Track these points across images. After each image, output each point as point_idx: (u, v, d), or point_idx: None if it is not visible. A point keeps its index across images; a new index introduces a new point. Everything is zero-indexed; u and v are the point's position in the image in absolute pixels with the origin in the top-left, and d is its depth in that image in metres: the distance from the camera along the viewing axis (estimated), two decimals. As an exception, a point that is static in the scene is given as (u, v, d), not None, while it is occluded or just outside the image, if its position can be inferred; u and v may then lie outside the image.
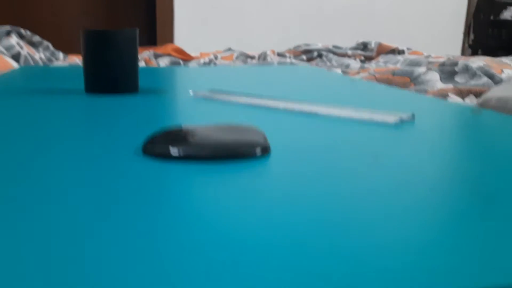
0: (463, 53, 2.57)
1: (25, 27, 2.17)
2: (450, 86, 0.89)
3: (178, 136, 0.36)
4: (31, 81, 0.73)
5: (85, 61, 0.61)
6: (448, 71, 0.97)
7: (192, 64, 1.31)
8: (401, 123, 0.46)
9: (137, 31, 0.62)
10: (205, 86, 0.70)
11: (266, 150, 0.37)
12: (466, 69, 0.94)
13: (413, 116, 0.47)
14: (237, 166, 0.33)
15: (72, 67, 0.92)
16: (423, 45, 2.47)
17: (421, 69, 0.98)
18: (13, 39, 1.14)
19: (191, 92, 0.61)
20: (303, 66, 1.04)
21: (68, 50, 2.26)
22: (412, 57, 1.31)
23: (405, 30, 2.43)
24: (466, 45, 2.58)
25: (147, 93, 0.63)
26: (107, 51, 0.60)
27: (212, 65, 1.41)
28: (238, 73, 0.92)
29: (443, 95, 0.84)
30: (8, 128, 0.42)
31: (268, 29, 2.25)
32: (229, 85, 0.72)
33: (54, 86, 0.69)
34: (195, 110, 0.51)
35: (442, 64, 1.01)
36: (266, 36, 2.26)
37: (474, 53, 2.52)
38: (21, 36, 1.22)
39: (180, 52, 1.36)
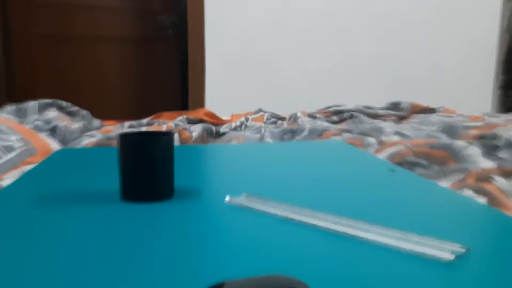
0: (495, 102, 2.52)
1: (66, 95, 2.26)
2: (494, 165, 0.86)
3: None
4: (65, 176, 0.75)
5: (121, 167, 0.62)
6: (489, 145, 0.94)
7: (224, 129, 1.33)
8: (457, 258, 0.44)
9: (174, 136, 0.63)
10: (240, 181, 0.70)
11: None
12: (510, 144, 0.92)
13: (468, 249, 0.45)
14: None
15: (105, 150, 0.94)
16: (454, 96, 2.44)
17: (461, 143, 0.96)
18: (52, 113, 1.18)
19: (227, 198, 0.61)
20: (337, 142, 1.03)
21: (106, 115, 2.33)
22: (447, 119, 1.29)
23: (435, 80, 2.41)
24: (498, 88, 2.53)
25: (182, 198, 0.64)
26: (143, 157, 0.60)
27: (243, 127, 1.42)
28: (271, 153, 0.92)
29: (486, 178, 0.82)
30: (36, 239, 0.42)
31: (298, 89, 2.27)
32: (265, 179, 0.72)
33: (89, 188, 0.70)
34: (229, 223, 0.51)
35: (482, 137, 0.98)
36: (297, 96, 2.28)
37: (505, 94, 2.46)
38: (60, 108, 1.26)
39: (212, 116, 1.38)
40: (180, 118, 1.33)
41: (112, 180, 0.74)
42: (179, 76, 2.55)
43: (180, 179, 0.72)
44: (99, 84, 2.37)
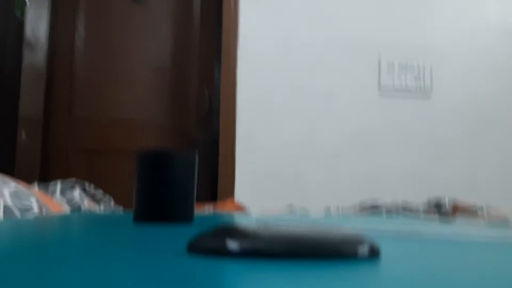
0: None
1: (91, 180, 2.26)
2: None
3: (239, 230, 0.27)
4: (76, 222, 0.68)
5: (137, 185, 0.55)
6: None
7: (252, 221, 1.24)
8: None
9: (197, 155, 0.58)
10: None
11: (374, 251, 0.27)
12: None
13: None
14: (331, 266, 0.23)
15: (123, 214, 0.88)
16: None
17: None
18: (76, 193, 1.15)
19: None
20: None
21: (130, 204, 2.29)
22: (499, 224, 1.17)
23: (471, 195, 2.30)
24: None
25: (203, 224, 0.55)
26: (163, 175, 0.54)
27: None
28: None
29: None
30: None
31: (329, 189, 2.20)
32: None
33: (103, 226, 0.63)
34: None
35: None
36: (328, 193, 2.20)
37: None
38: (84, 190, 1.23)
39: (240, 208, 1.31)
40: (207, 208, 1.27)
41: (126, 222, 0.67)
42: (209, 189, 2.53)
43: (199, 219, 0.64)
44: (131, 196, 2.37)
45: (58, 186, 1.16)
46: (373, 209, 1.32)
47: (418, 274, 0.21)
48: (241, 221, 0.64)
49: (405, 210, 1.30)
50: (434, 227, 0.43)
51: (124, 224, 0.52)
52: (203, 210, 1.29)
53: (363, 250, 0.26)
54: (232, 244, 0.25)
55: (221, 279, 0.19)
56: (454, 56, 2.36)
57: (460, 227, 0.56)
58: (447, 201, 1.34)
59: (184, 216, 0.54)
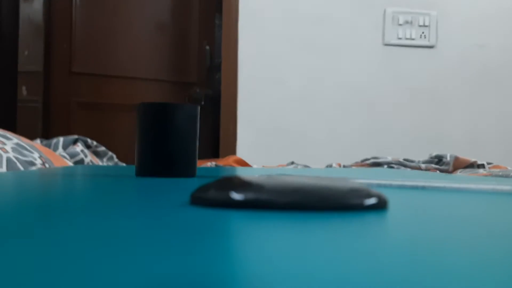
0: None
1: (93, 136, 2.27)
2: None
3: (242, 181, 0.26)
4: (81, 172, 0.68)
5: (138, 139, 0.55)
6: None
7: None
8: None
9: (199, 109, 0.57)
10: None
11: (382, 202, 0.26)
12: None
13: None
14: (338, 218, 0.22)
15: (126, 167, 0.88)
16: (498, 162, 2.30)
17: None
18: (79, 147, 1.15)
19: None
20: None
21: (133, 161, 2.31)
22: (497, 171, 1.18)
23: (478, 150, 2.30)
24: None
25: (207, 178, 0.55)
26: (164, 127, 0.54)
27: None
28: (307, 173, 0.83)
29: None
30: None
31: (331, 160, 2.21)
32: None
33: (106, 173, 0.63)
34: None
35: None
36: (330, 149, 2.21)
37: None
38: (87, 146, 1.23)
39: (242, 163, 1.32)
40: (209, 163, 1.27)
41: (128, 176, 0.67)
42: (210, 146, 2.54)
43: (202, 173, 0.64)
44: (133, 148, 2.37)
45: (61, 141, 1.16)
46: (375, 165, 1.32)
47: (426, 224, 0.21)
48: (244, 173, 0.64)
49: (407, 166, 1.31)
50: (437, 180, 0.42)
51: (126, 178, 0.52)
52: (205, 166, 1.30)
53: (371, 201, 0.25)
54: (236, 195, 0.25)
55: (224, 230, 0.18)
56: (459, 8, 2.30)
57: (463, 179, 0.56)
58: (448, 157, 1.34)
59: (187, 170, 0.54)
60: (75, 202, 0.27)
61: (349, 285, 0.11)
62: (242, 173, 0.69)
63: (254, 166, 1.47)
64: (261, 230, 0.19)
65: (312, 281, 0.11)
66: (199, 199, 0.26)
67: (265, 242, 0.16)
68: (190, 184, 0.44)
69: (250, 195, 0.24)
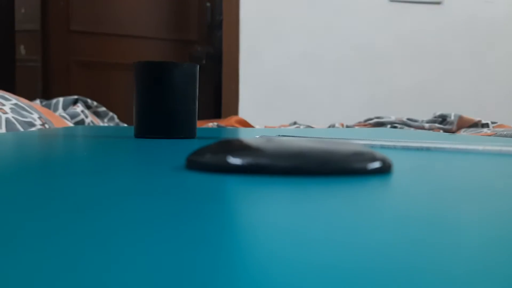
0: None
1: (93, 96, 2.26)
2: None
3: (240, 144, 0.25)
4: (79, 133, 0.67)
5: (136, 99, 0.54)
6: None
7: (256, 136, 1.24)
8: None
9: (197, 67, 0.55)
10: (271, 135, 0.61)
11: (386, 166, 0.25)
12: None
13: None
14: (341, 183, 0.21)
15: (125, 127, 0.87)
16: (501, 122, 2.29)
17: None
18: (79, 108, 1.14)
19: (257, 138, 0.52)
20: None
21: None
22: (501, 130, 1.16)
23: (480, 108, 2.28)
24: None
25: (206, 139, 0.55)
26: (162, 87, 0.52)
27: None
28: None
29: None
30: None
31: (333, 120, 2.19)
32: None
33: (105, 133, 0.62)
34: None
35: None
36: (333, 109, 2.19)
37: None
38: (87, 106, 1.22)
39: (244, 123, 1.30)
40: (211, 124, 1.26)
41: (127, 136, 0.66)
42: (212, 106, 2.52)
43: (202, 134, 0.63)
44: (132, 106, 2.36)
45: (61, 102, 1.15)
46: (378, 125, 1.31)
47: (432, 189, 0.20)
48: (244, 135, 0.63)
49: (410, 126, 1.30)
50: (442, 140, 0.41)
51: (125, 140, 0.51)
52: (206, 126, 1.29)
53: (375, 165, 0.24)
54: (232, 159, 0.23)
55: (218, 197, 0.17)
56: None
57: (469, 140, 0.55)
58: (452, 117, 1.33)
59: (186, 131, 0.53)
60: (70, 164, 0.27)
61: (352, 252, 0.10)
62: (242, 134, 0.68)
63: (257, 126, 1.46)
64: (258, 196, 0.18)
65: (314, 249, 0.11)
66: (195, 163, 0.25)
67: (262, 210, 0.15)
68: (189, 146, 0.42)
69: (248, 160, 0.23)
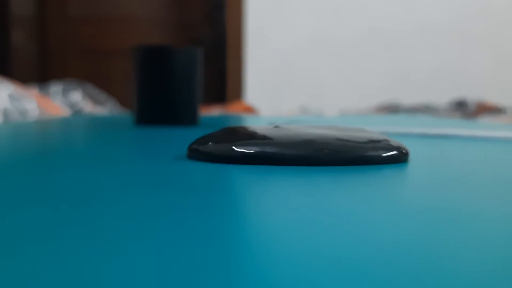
0: None
1: (92, 82, 2.22)
2: None
3: (245, 133, 0.23)
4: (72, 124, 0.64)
5: (136, 85, 0.49)
6: None
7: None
8: None
9: (199, 51, 0.50)
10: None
11: (403, 155, 0.23)
12: None
13: None
14: (354, 174, 0.20)
15: (125, 115, 0.83)
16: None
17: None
18: (78, 95, 1.09)
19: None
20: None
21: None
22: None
23: (500, 94, 2.21)
24: None
25: (210, 127, 0.50)
26: (162, 72, 0.48)
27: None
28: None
29: None
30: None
31: (346, 88, 2.14)
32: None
33: (103, 122, 0.58)
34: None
35: None
36: (344, 94, 2.14)
37: None
38: (88, 94, 1.17)
39: (249, 110, 1.26)
40: (215, 110, 1.22)
41: (127, 124, 0.62)
42: (216, 91, 2.47)
43: (206, 119, 0.59)
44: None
45: (60, 90, 1.11)
46: (392, 111, 1.25)
47: (451, 180, 0.19)
48: (249, 122, 0.60)
49: (427, 111, 1.24)
50: (461, 127, 0.38)
51: (124, 128, 0.47)
52: (210, 113, 1.25)
53: (390, 154, 0.22)
54: (236, 148, 0.22)
55: (222, 189, 0.16)
56: None
57: (488, 127, 0.51)
58: (471, 101, 1.27)
59: (187, 118, 0.49)
60: (68, 155, 0.26)
61: (367, 246, 0.10)
62: (247, 122, 0.64)
63: (263, 112, 1.42)
64: (266, 188, 0.16)
65: (327, 243, 0.10)
66: (197, 153, 0.23)
67: (270, 202, 0.14)
68: (191, 134, 0.40)
69: (253, 149, 0.22)
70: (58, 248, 0.10)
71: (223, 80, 2.32)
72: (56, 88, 1.10)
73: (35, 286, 0.08)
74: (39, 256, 0.09)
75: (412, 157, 0.26)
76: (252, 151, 0.22)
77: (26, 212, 0.13)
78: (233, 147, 0.22)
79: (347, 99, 2.12)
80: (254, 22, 2.09)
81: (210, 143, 0.23)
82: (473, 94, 2.17)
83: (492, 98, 2.18)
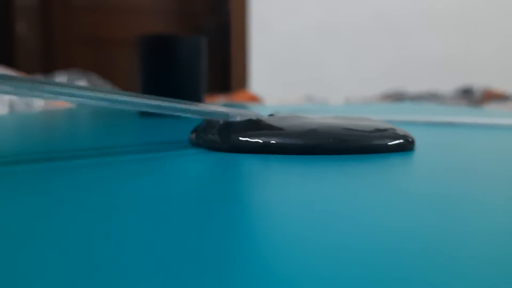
0: None
1: (96, 72, 2.22)
2: None
3: (250, 122, 0.23)
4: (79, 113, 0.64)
5: (140, 74, 0.49)
6: None
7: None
8: None
9: (204, 39, 0.50)
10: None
11: (409, 144, 0.23)
12: None
13: None
14: (360, 163, 0.19)
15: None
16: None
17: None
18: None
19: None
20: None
21: None
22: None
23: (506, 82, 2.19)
24: None
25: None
26: (167, 61, 0.48)
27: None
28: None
29: None
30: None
31: (350, 93, 2.13)
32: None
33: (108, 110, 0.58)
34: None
35: None
36: (350, 82, 2.13)
37: None
38: (93, 84, 1.18)
39: (254, 99, 1.26)
40: (219, 100, 1.21)
41: (132, 115, 0.62)
42: (221, 80, 2.46)
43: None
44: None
45: (64, 78, 1.11)
46: (398, 99, 1.25)
47: (459, 169, 0.19)
48: (254, 112, 0.59)
49: (432, 99, 1.24)
50: (467, 115, 0.38)
51: (129, 118, 0.47)
52: (215, 102, 1.24)
53: (396, 142, 0.22)
54: (240, 137, 0.21)
55: (225, 178, 0.16)
56: None
57: (495, 114, 0.50)
58: (477, 89, 1.26)
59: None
60: (72, 146, 0.25)
61: (374, 234, 0.10)
62: (251, 112, 0.64)
63: (268, 101, 1.41)
64: (270, 178, 0.16)
65: (334, 232, 0.10)
66: (199, 141, 0.23)
67: (276, 191, 0.14)
68: (194, 124, 0.40)
69: (258, 138, 0.21)
70: (68, 235, 0.10)
71: (228, 69, 2.31)
72: (60, 78, 1.10)
73: (49, 270, 0.08)
74: (47, 248, 0.09)
75: (418, 145, 0.26)
76: (256, 140, 0.21)
77: (33, 200, 0.13)
78: (236, 136, 0.22)
79: (353, 87, 2.10)
80: (258, 10, 2.07)
81: (213, 131, 0.23)
82: (480, 81, 2.15)
83: (499, 85, 2.16)
